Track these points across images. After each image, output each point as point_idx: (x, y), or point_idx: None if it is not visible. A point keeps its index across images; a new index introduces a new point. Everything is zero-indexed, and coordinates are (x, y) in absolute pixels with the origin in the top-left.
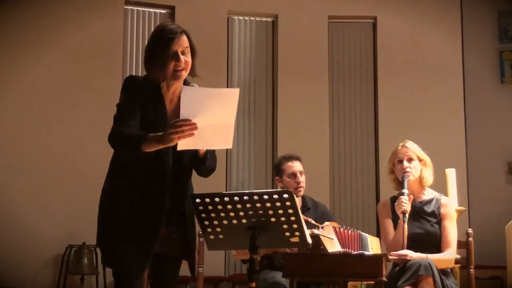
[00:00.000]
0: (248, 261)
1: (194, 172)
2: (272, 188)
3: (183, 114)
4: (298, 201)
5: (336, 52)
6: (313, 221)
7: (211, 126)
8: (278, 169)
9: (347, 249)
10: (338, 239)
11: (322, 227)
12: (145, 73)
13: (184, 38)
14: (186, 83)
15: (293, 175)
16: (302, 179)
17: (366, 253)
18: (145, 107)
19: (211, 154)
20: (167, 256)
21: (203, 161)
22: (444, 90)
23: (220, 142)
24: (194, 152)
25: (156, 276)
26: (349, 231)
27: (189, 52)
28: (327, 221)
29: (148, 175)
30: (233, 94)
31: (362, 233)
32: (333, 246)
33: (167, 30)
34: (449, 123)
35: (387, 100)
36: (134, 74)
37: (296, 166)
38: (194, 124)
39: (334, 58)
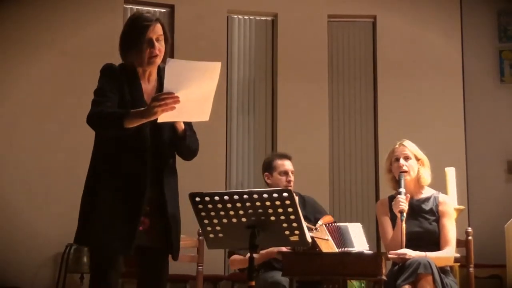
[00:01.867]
0: (244, 270)
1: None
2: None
3: (167, 87)
4: None
5: (336, 51)
6: (306, 223)
7: (192, 99)
8: (268, 166)
9: (343, 248)
10: (333, 239)
11: (316, 229)
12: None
13: (159, 26)
14: (159, 68)
15: (285, 173)
16: (292, 178)
17: (365, 251)
18: (122, 90)
19: (190, 131)
20: (151, 249)
21: (182, 138)
22: (444, 89)
23: (199, 114)
24: (173, 129)
25: (142, 270)
26: (332, 227)
27: (163, 40)
28: (319, 215)
29: (128, 152)
30: (215, 67)
31: (341, 224)
32: (328, 247)
33: (143, 18)
34: (449, 122)
35: (387, 99)
36: None
37: (288, 164)
38: (177, 97)
39: (334, 57)
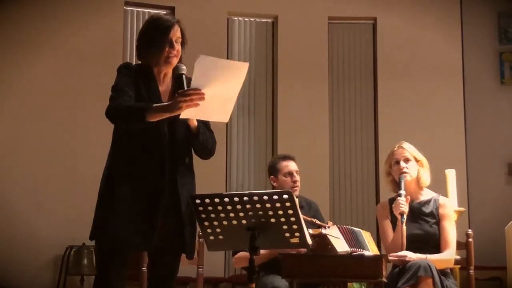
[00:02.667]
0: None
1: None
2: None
3: (195, 83)
4: None
5: (336, 53)
6: (318, 221)
7: (216, 98)
8: (273, 169)
9: (355, 248)
10: (346, 239)
11: (329, 227)
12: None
13: (178, 28)
14: (176, 69)
15: (290, 174)
16: (298, 178)
17: (366, 254)
18: (138, 87)
19: (203, 129)
20: (164, 249)
21: (195, 135)
22: (444, 91)
23: (219, 114)
24: (187, 126)
25: (154, 270)
26: (344, 228)
27: (180, 43)
28: (319, 221)
29: (144, 151)
30: (243, 67)
31: (354, 228)
32: (340, 246)
33: (165, 19)
34: (449, 124)
35: (387, 101)
36: None
37: (292, 165)
38: (203, 94)
39: (334, 59)
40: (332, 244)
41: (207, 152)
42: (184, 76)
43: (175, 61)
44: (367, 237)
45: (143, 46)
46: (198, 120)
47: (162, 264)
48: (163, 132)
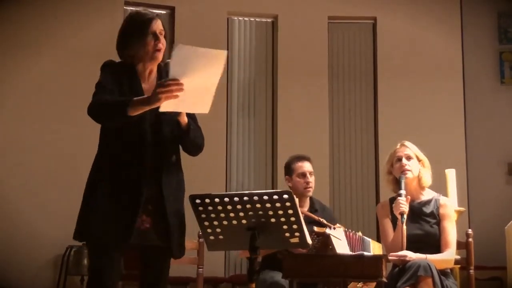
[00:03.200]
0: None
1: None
2: (274, 188)
3: (173, 73)
4: (306, 201)
5: (336, 53)
6: (325, 221)
7: (195, 89)
8: (288, 169)
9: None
10: (348, 242)
11: (334, 228)
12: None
13: (160, 22)
14: (160, 67)
15: (303, 175)
16: (311, 179)
17: (365, 253)
18: (121, 85)
19: (193, 125)
20: (151, 249)
21: (186, 132)
22: (444, 91)
23: (199, 106)
24: (175, 124)
25: (143, 271)
26: (355, 235)
27: (163, 36)
28: (332, 222)
29: (126, 149)
30: (221, 55)
31: (365, 237)
32: (341, 248)
33: (144, 13)
34: (449, 124)
35: (387, 100)
36: None
37: (306, 166)
38: (182, 84)
39: (334, 59)
40: (333, 245)
41: (196, 148)
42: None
43: (160, 56)
44: (376, 248)
45: (124, 44)
46: (188, 116)
47: (151, 265)
48: (145, 130)
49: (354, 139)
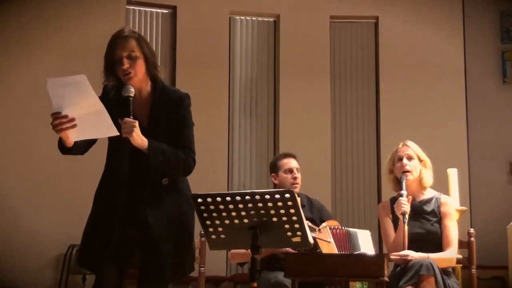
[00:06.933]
0: (244, 264)
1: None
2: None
3: (54, 106)
4: None
5: (338, 52)
6: (310, 223)
7: (86, 115)
8: (274, 166)
9: (343, 252)
10: (335, 242)
11: (319, 230)
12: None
13: (131, 41)
14: (124, 91)
15: (290, 170)
16: (298, 175)
17: (367, 253)
18: (113, 109)
19: (155, 152)
20: (145, 264)
21: (148, 155)
22: (446, 90)
23: (105, 130)
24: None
25: (138, 282)
26: (341, 231)
27: (137, 56)
28: (325, 219)
29: (108, 175)
30: (81, 79)
31: (350, 229)
32: (329, 249)
33: (114, 35)
34: (451, 123)
35: (389, 100)
36: None
37: (293, 162)
38: (66, 115)
39: (336, 58)
40: (320, 249)
41: (164, 170)
42: (131, 99)
43: (131, 77)
44: (363, 237)
45: (104, 67)
46: (152, 143)
47: (145, 278)
48: (124, 156)
49: (356, 139)
